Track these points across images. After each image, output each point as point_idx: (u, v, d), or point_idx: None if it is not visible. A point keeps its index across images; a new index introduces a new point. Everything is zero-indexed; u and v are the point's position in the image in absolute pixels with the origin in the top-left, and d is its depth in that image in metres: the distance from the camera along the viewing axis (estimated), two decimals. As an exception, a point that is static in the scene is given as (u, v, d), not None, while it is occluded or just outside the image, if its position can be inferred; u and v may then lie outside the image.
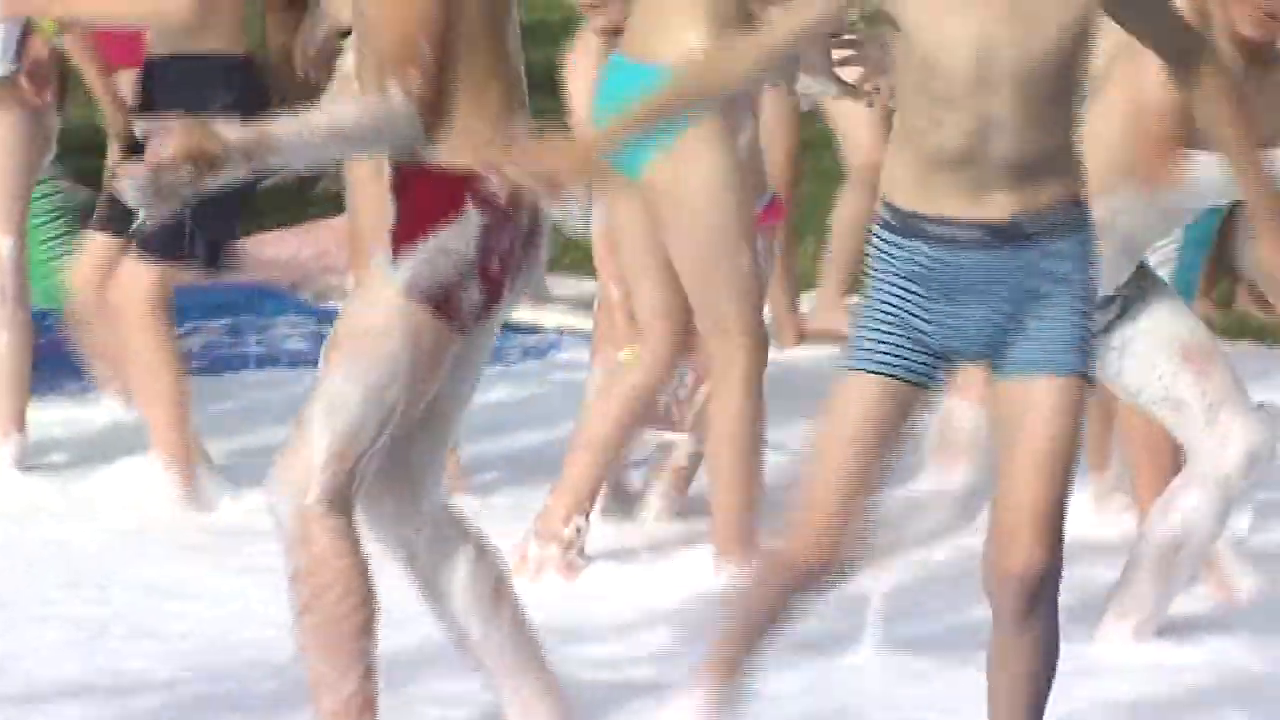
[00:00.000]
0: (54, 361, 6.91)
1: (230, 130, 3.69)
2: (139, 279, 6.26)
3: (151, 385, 6.34)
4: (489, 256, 3.85)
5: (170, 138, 3.60)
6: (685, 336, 5.64)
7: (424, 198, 3.84)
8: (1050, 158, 3.73)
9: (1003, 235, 3.74)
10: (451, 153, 3.80)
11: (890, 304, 3.80)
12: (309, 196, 9.06)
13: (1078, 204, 3.80)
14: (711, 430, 5.65)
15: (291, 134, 3.75)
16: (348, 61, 5.70)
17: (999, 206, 3.72)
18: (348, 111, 3.86)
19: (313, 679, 3.95)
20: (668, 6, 5.31)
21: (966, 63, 3.61)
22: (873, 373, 3.79)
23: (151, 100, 6.22)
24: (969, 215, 3.72)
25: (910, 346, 3.81)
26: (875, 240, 3.82)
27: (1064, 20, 3.64)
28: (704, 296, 5.53)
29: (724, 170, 5.37)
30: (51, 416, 6.96)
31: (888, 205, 3.78)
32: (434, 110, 3.75)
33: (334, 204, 6.87)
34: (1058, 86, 3.69)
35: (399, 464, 4.01)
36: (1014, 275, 3.77)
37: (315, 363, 4.20)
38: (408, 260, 3.82)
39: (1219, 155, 3.97)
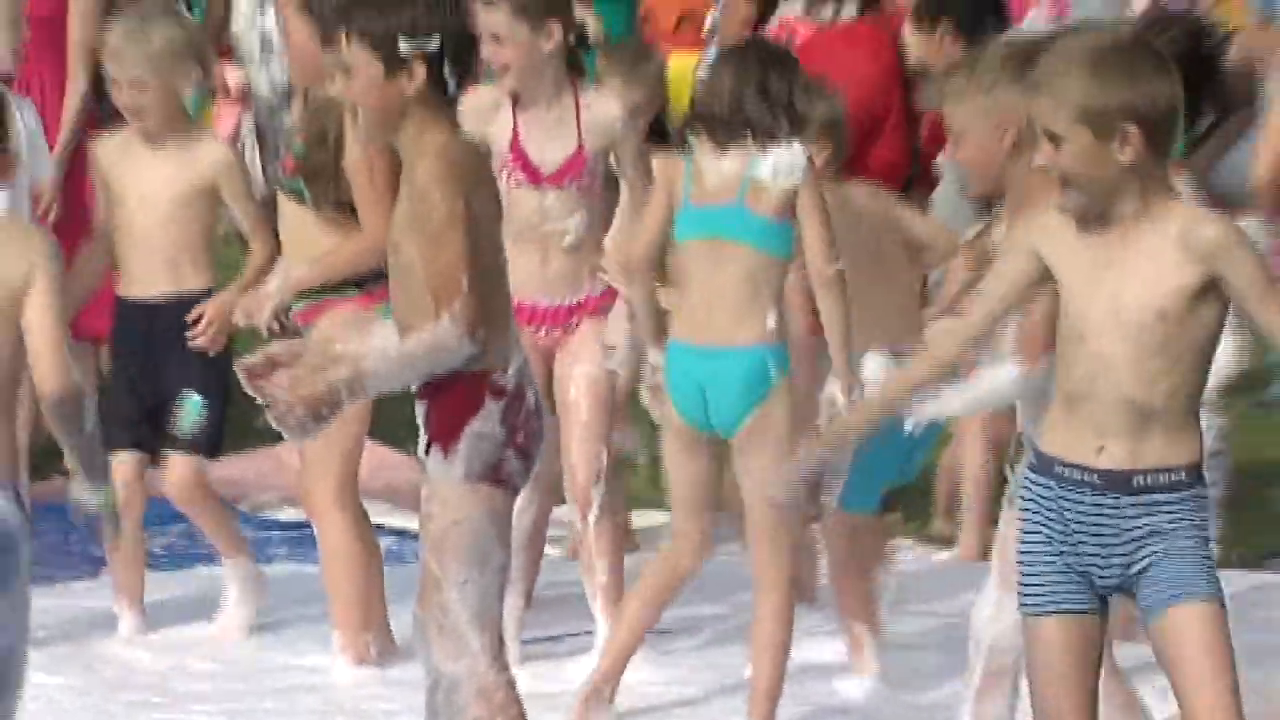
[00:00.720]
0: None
1: (334, 372, 4.70)
2: (195, 473, 6.87)
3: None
4: (514, 432, 4.86)
5: (304, 394, 4.64)
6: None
7: (451, 401, 4.80)
8: (1162, 412, 4.27)
9: (1115, 484, 4.30)
10: (474, 361, 4.77)
11: (1043, 543, 4.37)
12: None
13: (1191, 468, 4.30)
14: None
15: (378, 368, 4.80)
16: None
17: (1112, 457, 4.29)
18: (418, 342, 4.75)
19: None
20: (727, 295, 6.02)
21: (1093, 307, 4.29)
22: (1051, 614, 4.34)
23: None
24: (1089, 462, 4.30)
25: (1070, 581, 4.35)
26: (1024, 481, 4.45)
27: (1167, 283, 4.24)
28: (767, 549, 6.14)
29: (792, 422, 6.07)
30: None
31: (1034, 448, 4.46)
32: (475, 327, 4.67)
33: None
34: (1167, 342, 4.25)
35: None
36: (1128, 520, 4.30)
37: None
38: (455, 455, 4.81)
39: None
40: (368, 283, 6.38)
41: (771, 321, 6.02)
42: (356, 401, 4.90)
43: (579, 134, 6.53)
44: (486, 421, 4.83)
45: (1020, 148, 5.08)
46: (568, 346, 6.63)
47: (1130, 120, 4.26)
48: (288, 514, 8.12)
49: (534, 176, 6.53)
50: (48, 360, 4.33)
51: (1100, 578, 4.33)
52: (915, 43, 7.93)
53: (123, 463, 6.60)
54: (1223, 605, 4.33)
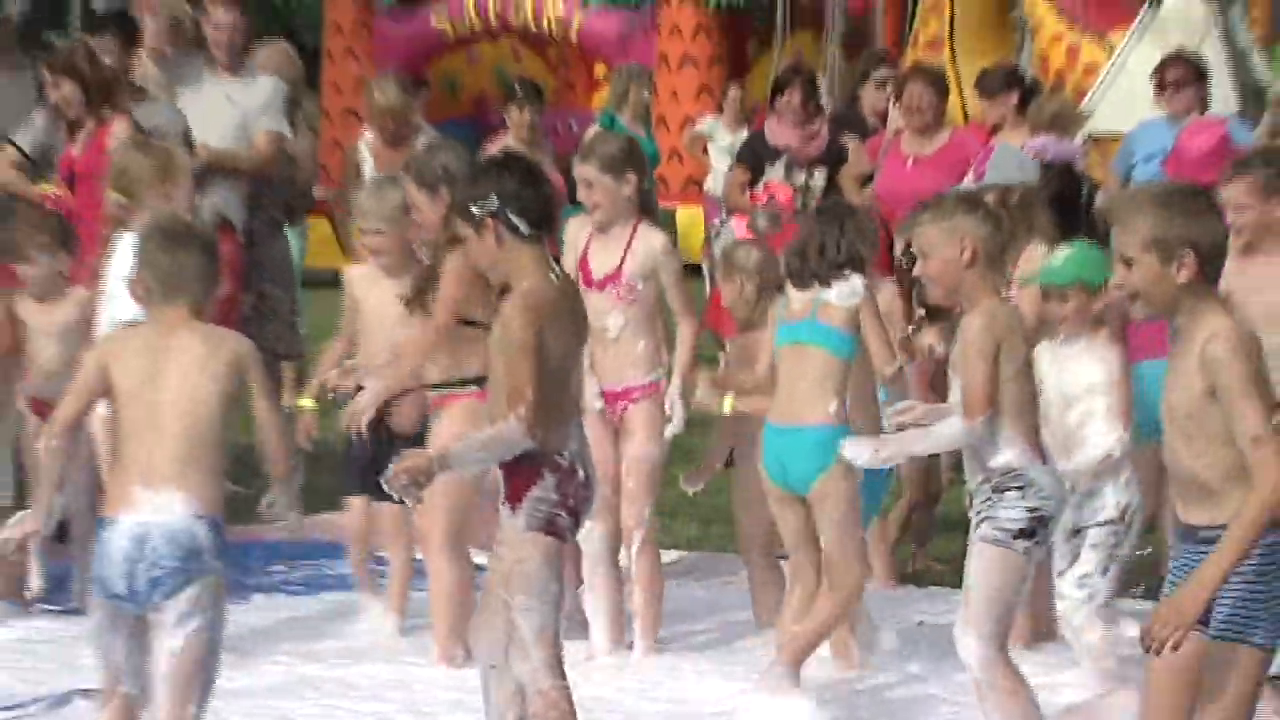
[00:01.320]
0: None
1: (430, 452, 5.78)
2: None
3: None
4: (566, 497, 5.67)
5: (407, 466, 5.50)
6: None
7: (522, 473, 5.64)
8: (1206, 483, 4.81)
9: (1187, 536, 4.90)
10: (543, 446, 5.60)
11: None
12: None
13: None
14: None
15: (460, 450, 5.79)
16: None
17: (1185, 513, 4.90)
18: (491, 433, 5.63)
19: None
20: (801, 386, 6.94)
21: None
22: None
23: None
24: (1180, 517, 4.96)
25: None
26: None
27: (1193, 385, 4.79)
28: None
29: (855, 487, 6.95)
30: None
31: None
32: (534, 428, 5.52)
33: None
34: (1195, 432, 4.82)
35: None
36: (1195, 563, 4.79)
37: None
38: (520, 512, 5.63)
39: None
40: (484, 381, 6.62)
41: (833, 407, 6.88)
42: (445, 473, 5.68)
43: (624, 255, 7.31)
44: (545, 489, 5.60)
45: (975, 261, 5.87)
46: (624, 427, 7.39)
47: (1188, 248, 4.79)
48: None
49: (587, 281, 7.28)
50: (276, 445, 5.57)
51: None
52: None
53: (358, 505, 7.68)
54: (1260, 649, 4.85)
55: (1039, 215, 7.36)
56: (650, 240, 7.36)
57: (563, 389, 5.73)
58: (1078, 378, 6.76)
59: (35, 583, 7.89)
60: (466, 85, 21.98)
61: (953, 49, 18.87)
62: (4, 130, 9.49)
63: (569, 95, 21.85)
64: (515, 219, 5.63)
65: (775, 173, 10.99)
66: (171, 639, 5.32)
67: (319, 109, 21.61)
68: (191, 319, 5.47)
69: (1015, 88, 11.02)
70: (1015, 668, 5.89)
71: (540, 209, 5.71)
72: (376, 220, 7.57)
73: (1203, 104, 10.76)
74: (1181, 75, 10.79)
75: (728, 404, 7.58)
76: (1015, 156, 9.68)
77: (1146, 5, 16.76)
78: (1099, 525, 6.95)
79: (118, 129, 8.99)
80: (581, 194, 7.46)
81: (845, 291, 6.98)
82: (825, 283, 6.99)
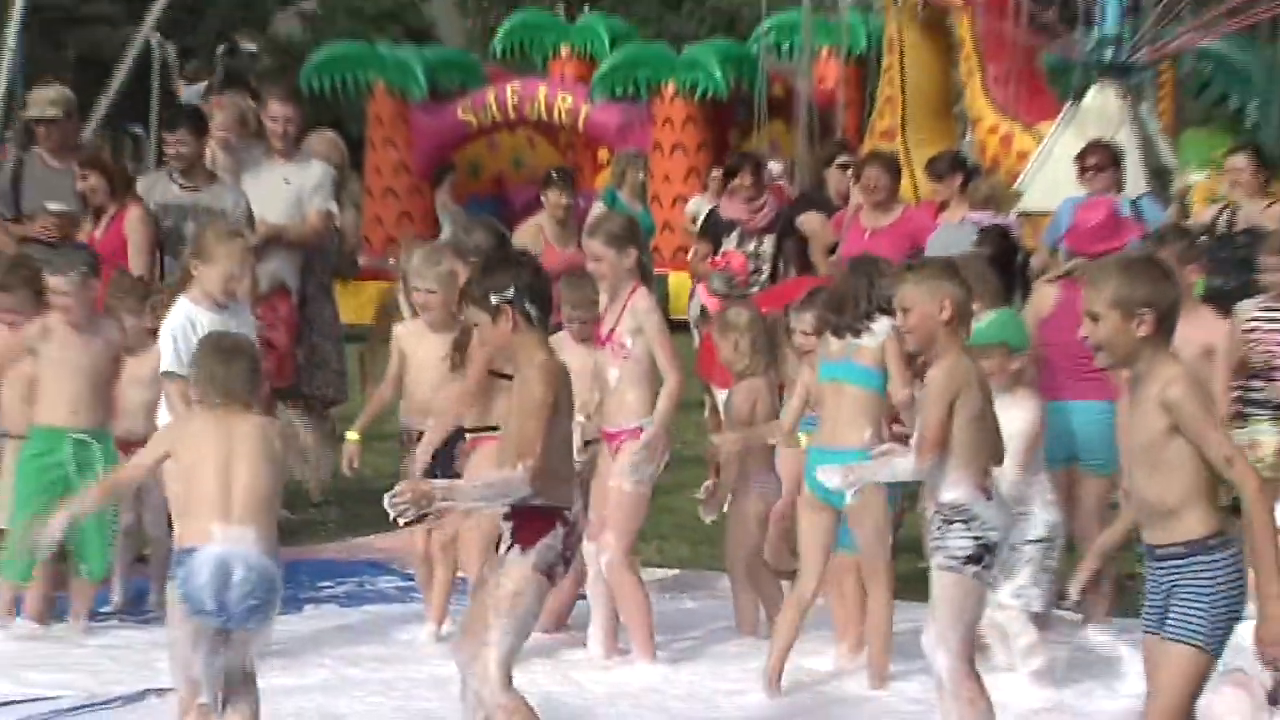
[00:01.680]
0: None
1: (439, 485, 5.70)
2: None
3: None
4: (567, 549, 5.69)
5: (409, 489, 5.47)
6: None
7: (533, 521, 5.62)
8: (1168, 507, 4.82)
9: (1149, 555, 4.94)
10: (548, 498, 5.58)
11: None
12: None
13: (1194, 543, 4.81)
14: None
15: (466, 488, 5.83)
16: None
17: (1148, 535, 4.93)
18: (496, 478, 5.65)
19: None
20: (840, 416, 7.05)
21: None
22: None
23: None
24: (1145, 539, 4.98)
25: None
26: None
27: (1154, 425, 4.83)
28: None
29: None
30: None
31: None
32: (539, 478, 5.49)
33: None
34: (1155, 464, 4.84)
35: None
36: (1157, 578, 4.89)
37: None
38: (531, 553, 5.58)
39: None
40: None
41: (868, 434, 6.95)
42: (447, 506, 5.64)
43: (620, 317, 7.30)
44: (555, 539, 5.60)
45: (952, 319, 5.85)
46: (616, 462, 7.30)
47: (1148, 307, 4.85)
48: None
49: (597, 341, 7.45)
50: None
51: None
52: None
53: (417, 532, 7.54)
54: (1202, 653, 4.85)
55: (988, 282, 7.37)
56: (637, 302, 7.33)
57: (569, 452, 5.82)
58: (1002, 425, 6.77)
59: (116, 597, 7.89)
60: (487, 168, 22.02)
61: (905, 138, 18.93)
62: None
63: (577, 176, 21.88)
64: (529, 307, 5.64)
65: (730, 243, 11.30)
66: (253, 652, 5.62)
67: (363, 189, 21.68)
68: (244, 411, 5.70)
69: (959, 171, 11.14)
70: (979, 679, 5.87)
71: (547, 300, 5.78)
72: (430, 281, 7.54)
73: (1118, 185, 10.78)
74: (1100, 160, 10.82)
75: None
76: (952, 234, 9.85)
77: (1069, 101, 16.81)
78: (1031, 542, 6.97)
79: (133, 213, 9.12)
80: (590, 265, 7.48)
81: (874, 335, 7.08)
82: (856, 333, 7.08)
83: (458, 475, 7.13)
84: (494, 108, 21.44)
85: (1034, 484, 7.03)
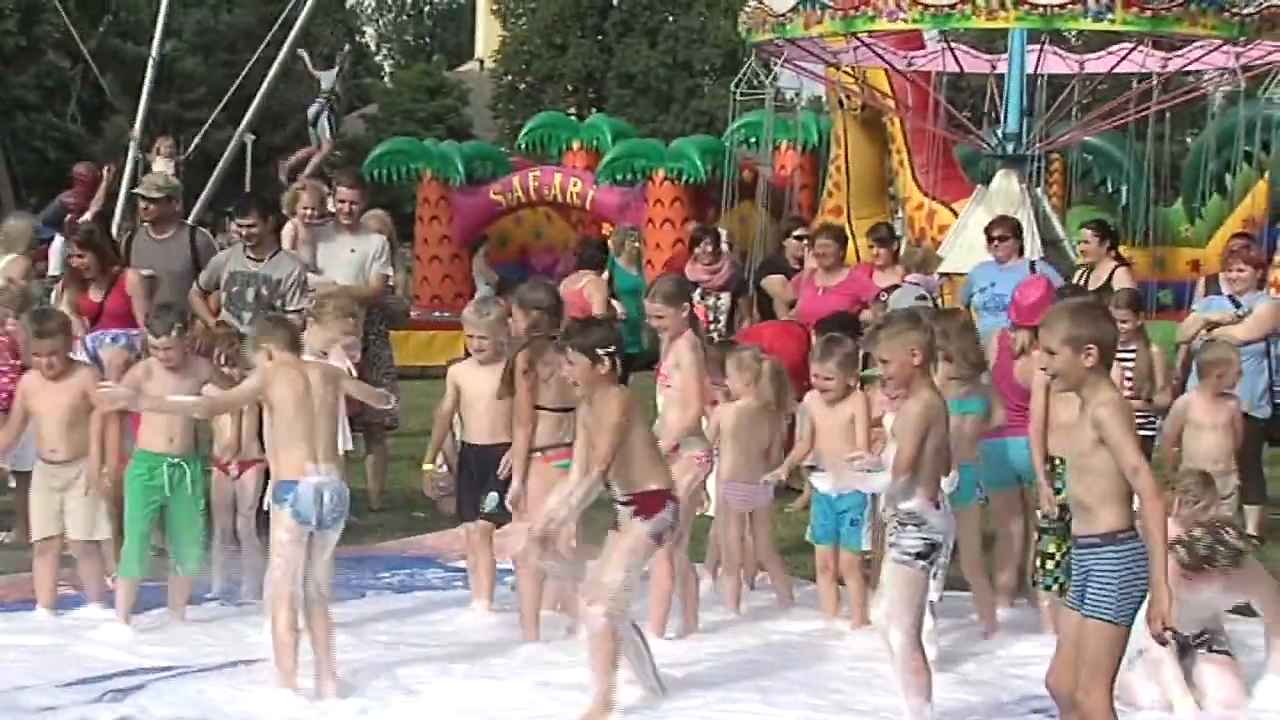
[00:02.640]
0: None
1: (547, 517, 6.05)
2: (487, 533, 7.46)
3: None
4: (675, 520, 6.07)
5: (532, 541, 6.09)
6: None
7: (650, 500, 5.92)
8: (1089, 505, 4.81)
9: (1075, 544, 4.91)
10: (658, 482, 5.95)
11: None
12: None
13: (1107, 535, 4.78)
14: None
15: (569, 508, 6.01)
16: None
17: (1076, 528, 4.90)
18: (581, 485, 5.94)
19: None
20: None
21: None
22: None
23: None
24: (1073, 530, 4.93)
25: None
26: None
27: (1087, 437, 4.80)
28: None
29: None
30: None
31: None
32: (604, 477, 5.86)
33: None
34: (1084, 469, 4.83)
35: None
36: (1079, 562, 4.86)
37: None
38: (648, 523, 5.89)
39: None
40: (548, 449, 7.00)
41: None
42: (561, 524, 6.04)
43: (668, 355, 7.22)
44: (669, 513, 5.93)
45: (922, 362, 5.73)
46: None
47: (1093, 344, 4.83)
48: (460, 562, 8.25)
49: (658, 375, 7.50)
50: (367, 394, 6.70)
51: None
52: None
53: (474, 527, 7.39)
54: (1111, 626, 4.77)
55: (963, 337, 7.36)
56: (680, 345, 7.19)
57: (658, 448, 6.20)
58: None
59: (216, 584, 7.80)
60: (514, 239, 22.01)
61: (849, 214, 18.96)
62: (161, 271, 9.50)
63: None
64: (615, 360, 5.93)
65: (695, 299, 11.28)
66: (330, 547, 6.21)
67: (413, 255, 21.65)
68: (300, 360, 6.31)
69: (893, 240, 11.15)
70: (924, 653, 5.76)
71: (622, 358, 6.08)
72: (480, 329, 7.39)
73: (1020, 250, 10.78)
74: (1004, 231, 10.84)
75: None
76: (906, 293, 9.84)
77: (979, 185, 16.82)
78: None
79: (131, 277, 9.15)
80: (654, 321, 7.35)
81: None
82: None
83: (500, 481, 7.15)
84: (519, 191, 21.44)
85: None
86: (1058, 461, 7.02)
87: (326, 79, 22.85)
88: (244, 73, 18.70)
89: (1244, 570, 6.18)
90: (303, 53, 24.87)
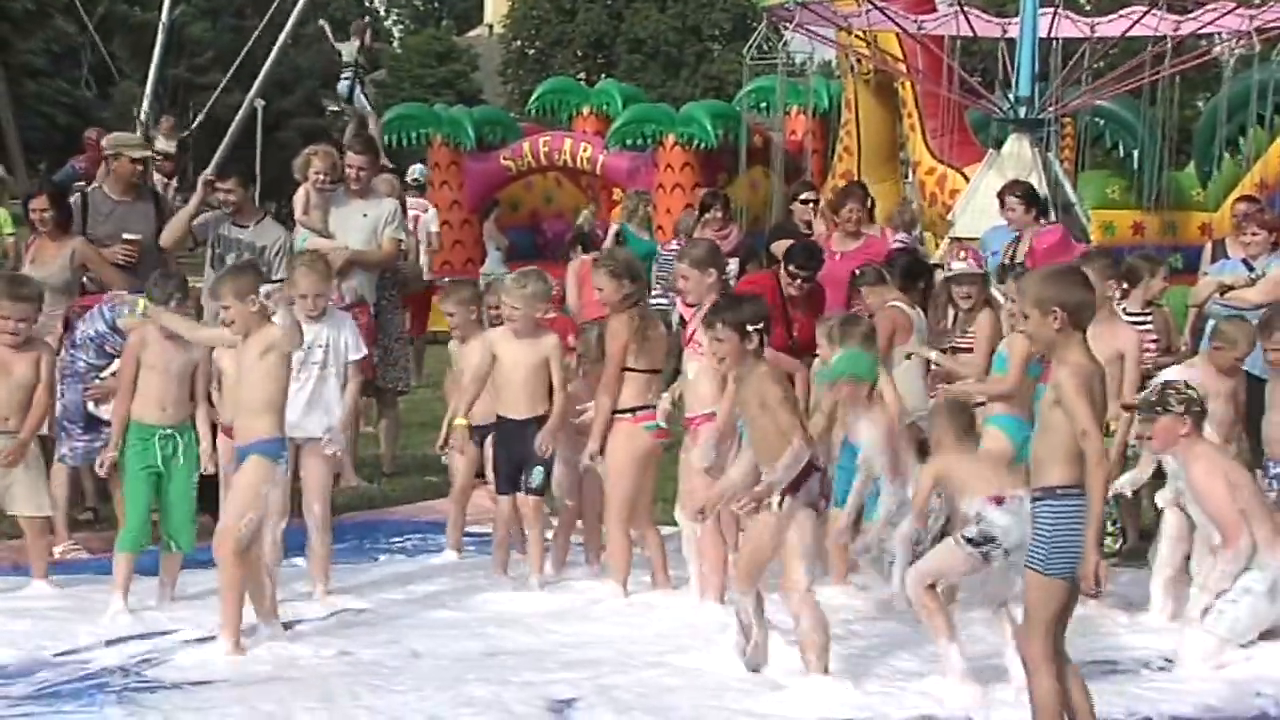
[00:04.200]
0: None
1: (763, 487, 5.83)
2: (538, 505, 7.42)
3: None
4: (824, 488, 5.91)
5: (753, 499, 5.83)
6: None
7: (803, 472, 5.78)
8: (1041, 460, 4.89)
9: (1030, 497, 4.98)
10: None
11: None
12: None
13: (1049, 489, 4.86)
14: None
15: (778, 475, 5.75)
16: None
17: (1031, 480, 4.98)
18: (788, 459, 5.73)
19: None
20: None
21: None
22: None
23: None
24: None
25: None
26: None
27: (1049, 398, 4.89)
28: None
29: None
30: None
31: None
32: (809, 447, 5.77)
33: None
34: (1044, 427, 4.91)
35: None
36: (1033, 514, 4.93)
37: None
38: (798, 497, 5.78)
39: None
40: (633, 410, 7.10)
41: None
42: (770, 492, 5.76)
43: (699, 323, 6.90)
44: (813, 481, 5.80)
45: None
46: (694, 440, 7.06)
47: (1058, 306, 4.88)
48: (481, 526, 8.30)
49: (685, 342, 7.34)
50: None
51: None
52: None
53: (506, 499, 7.37)
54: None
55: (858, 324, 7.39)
56: None
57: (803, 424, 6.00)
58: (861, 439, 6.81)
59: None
60: (524, 204, 21.96)
61: (859, 179, 18.85)
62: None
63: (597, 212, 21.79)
64: (762, 336, 5.94)
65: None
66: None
67: (424, 221, 21.60)
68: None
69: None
70: (938, 598, 5.95)
71: (768, 329, 6.04)
72: (517, 300, 7.31)
73: (1035, 218, 10.70)
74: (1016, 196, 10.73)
75: None
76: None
77: (991, 149, 16.75)
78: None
79: (78, 243, 8.89)
80: (680, 284, 7.43)
81: None
82: None
83: (532, 451, 7.16)
84: (529, 156, 21.38)
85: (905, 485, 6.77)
86: None
87: (347, 50, 22.83)
88: (253, 38, 18.61)
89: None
90: (323, 23, 24.78)
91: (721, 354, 5.95)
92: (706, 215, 11.84)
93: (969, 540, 5.84)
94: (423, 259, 15.29)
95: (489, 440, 7.55)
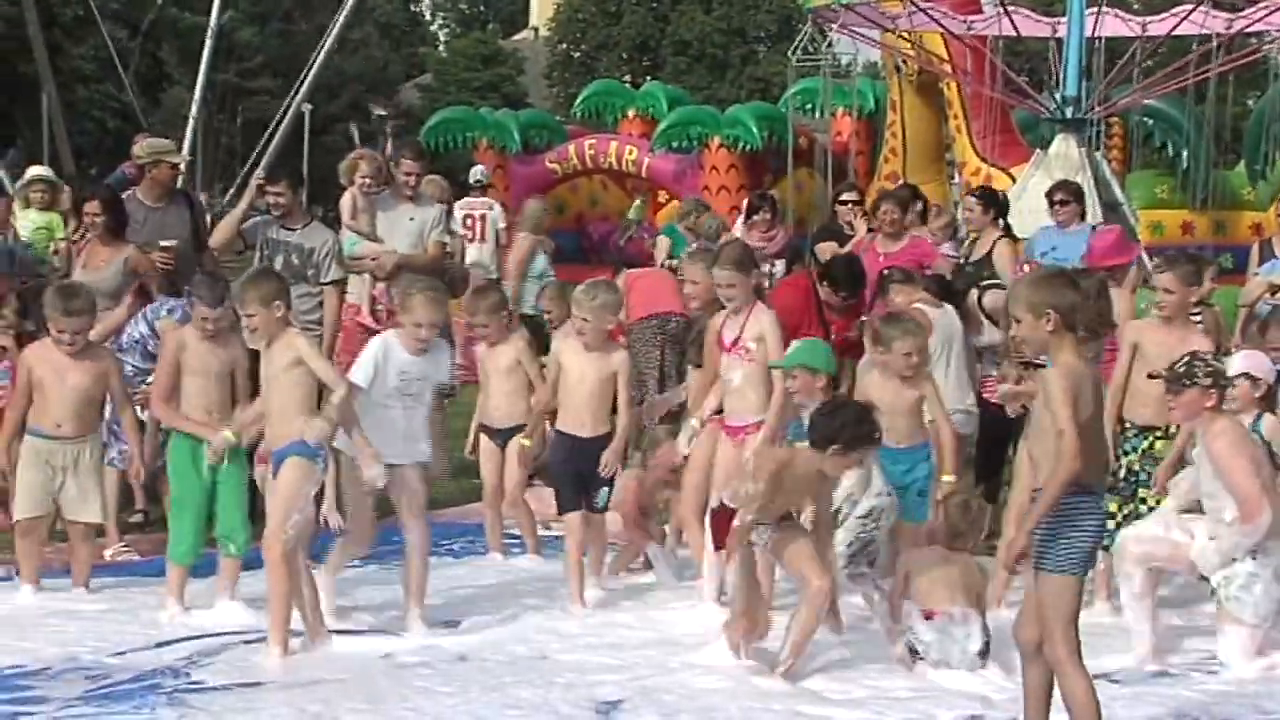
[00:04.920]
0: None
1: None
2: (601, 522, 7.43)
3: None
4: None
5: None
6: None
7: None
8: (1036, 460, 4.93)
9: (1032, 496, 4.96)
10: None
11: None
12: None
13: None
14: None
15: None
16: None
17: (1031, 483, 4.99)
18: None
19: None
20: None
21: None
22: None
23: None
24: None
25: None
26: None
27: (1040, 400, 4.93)
28: None
29: None
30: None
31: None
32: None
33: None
34: (1041, 427, 4.91)
35: None
36: None
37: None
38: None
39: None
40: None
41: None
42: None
43: (743, 327, 7.01)
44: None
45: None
46: (743, 450, 6.89)
47: (1051, 309, 4.90)
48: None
49: (722, 346, 7.12)
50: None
51: None
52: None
53: (576, 515, 7.11)
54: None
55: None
56: (760, 316, 7.08)
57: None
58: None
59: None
60: (570, 207, 22.02)
61: (905, 179, 18.80)
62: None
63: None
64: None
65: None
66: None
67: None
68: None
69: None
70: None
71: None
72: (586, 312, 7.11)
73: (1081, 215, 10.64)
74: (1065, 196, 10.67)
75: None
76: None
77: (1038, 149, 16.67)
78: (857, 517, 6.76)
79: (131, 250, 8.83)
80: (721, 292, 7.14)
81: None
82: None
83: (597, 471, 7.08)
84: (574, 159, 21.44)
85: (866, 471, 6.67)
86: (1128, 425, 7.01)
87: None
88: (320, 49, 18.65)
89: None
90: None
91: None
92: (755, 217, 11.85)
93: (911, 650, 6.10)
94: (490, 255, 15.38)
95: (512, 443, 7.65)
